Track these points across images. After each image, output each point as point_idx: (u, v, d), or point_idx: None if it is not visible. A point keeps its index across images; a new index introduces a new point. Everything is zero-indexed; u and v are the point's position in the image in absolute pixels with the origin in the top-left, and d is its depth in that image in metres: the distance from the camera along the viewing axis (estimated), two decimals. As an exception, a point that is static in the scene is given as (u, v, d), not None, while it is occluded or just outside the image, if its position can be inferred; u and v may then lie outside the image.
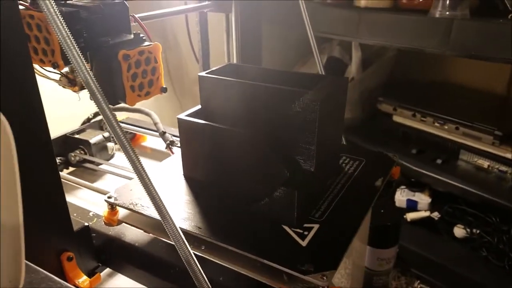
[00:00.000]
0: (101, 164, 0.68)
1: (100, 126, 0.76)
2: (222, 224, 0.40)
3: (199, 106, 0.47)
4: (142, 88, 0.44)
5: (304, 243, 0.37)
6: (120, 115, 0.83)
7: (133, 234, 0.49)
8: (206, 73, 0.45)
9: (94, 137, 0.68)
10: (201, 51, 0.76)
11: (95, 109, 0.30)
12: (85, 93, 0.33)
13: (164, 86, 0.46)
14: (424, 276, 0.90)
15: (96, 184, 0.61)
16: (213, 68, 0.47)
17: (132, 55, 0.42)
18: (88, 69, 0.29)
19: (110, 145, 0.70)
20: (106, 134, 0.70)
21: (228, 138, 0.42)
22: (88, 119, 0.78)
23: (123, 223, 0.45)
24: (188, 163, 0.46)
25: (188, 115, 0.45)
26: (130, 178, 0.57)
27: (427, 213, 0.96)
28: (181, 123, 0.44)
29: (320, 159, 0.42)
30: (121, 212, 0.45)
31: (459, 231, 0.91)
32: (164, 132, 0.56)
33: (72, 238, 0.46)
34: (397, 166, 0.51)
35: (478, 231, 0.86)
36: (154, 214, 0.41)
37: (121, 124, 0.30)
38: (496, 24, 0.65)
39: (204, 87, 0.45)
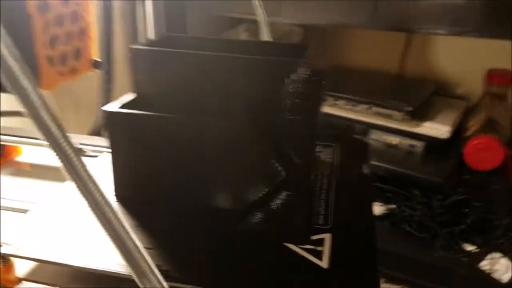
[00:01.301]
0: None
1: None
2: (200, 258, 0.27)
3: (129, 96, 0.33)
4: (65, 61, 0.28)
5: (324, 264, 0.27)
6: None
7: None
8: (143, 46, 0.32)
9: None
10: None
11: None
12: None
13: (99, 60, 0.31)
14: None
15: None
16: (148, 41, 0.34)
17: (52, 4, 0.25)
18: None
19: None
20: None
21: (198, 135, 0.29)
22: None
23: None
24: (125, 177, 0.32)
25: (119, 107, 0.31)
26: (22, 211, 0.39)
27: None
28: (114, 119, 0.30)
29: (313, 147, 0.32)
30: (22, 267, 0.29)
31: (377, 209, 0.92)
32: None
33: None
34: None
35: (398, 206, 0.88)
36: (86, 261, 0.26)
37: None
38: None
39: (140, 67, 0.32)
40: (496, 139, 0.67)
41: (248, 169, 0.30)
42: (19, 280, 0.30)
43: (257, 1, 0.60)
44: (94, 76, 0.57)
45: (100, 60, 0.31)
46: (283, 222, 0.30)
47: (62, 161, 0.17)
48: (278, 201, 0.30)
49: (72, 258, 0.27)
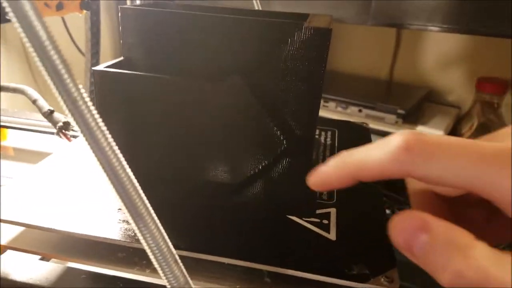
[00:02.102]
0: None
1: None
2: (205, 231, 0.25)
3: (119, 58, 0.30)
4: None
5: (333, 236, 0.25)
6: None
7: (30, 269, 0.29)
8: (133, 6, 0.29)
9: None
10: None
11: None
12: None
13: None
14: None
15: None
16: (139, 3, 0.32)
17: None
18: None
19: None
20: None
21: (191, 99, 0.27)
22: None
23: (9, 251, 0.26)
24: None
25: (108, 66, 0.28)
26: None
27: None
28: (100, 79, 0.27)
29: (316, 116, 0.30)
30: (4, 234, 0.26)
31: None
32: (52, 111, 0.36)
33: None
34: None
35: (391, 210, 0.86)
36: (74, 227, 0.23)
37: None
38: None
39: (128, 28, 0.29)
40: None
41: (247, 138, 0.28)
42: (2, 248, 0.26)
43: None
44: (82, 60, 0.55)
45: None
46: (286, 194, 0.27)
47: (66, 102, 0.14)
48: (278, 173, 0.28)
49: (59, 223, 0.24)
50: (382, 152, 0.16)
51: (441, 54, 0.92)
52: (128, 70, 0.28)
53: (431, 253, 0.15)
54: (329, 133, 0.39)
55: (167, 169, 0.29)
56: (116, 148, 0.14)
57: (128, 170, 0.14)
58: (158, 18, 0.28)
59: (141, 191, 0.14)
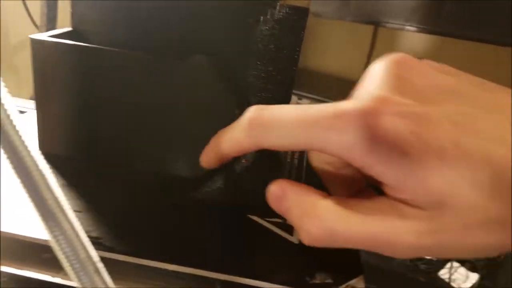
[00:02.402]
0: None
1: None
2: (149, 232, 0.21)
3: (67, 29, 0.26)
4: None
5: (294, 239, 0.22)
6: None
7: None
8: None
9: None
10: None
11: None
12: None
13: None
14: None
15: None
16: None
17: None
18: None
19: None
20: None
21: (145, 76, 0.23)
22: None
23: None
24: (51, 130, 0.25)
25: (51, 36, 0.24)
26: None
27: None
28: (40, 50, 0.23)
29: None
30: None
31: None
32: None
33: None
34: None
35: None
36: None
37: None
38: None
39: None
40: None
41: (208, 128, 0.25)
42: None
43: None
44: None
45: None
46: (247, 192, 0.25)
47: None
48: (243, 166, 0.25)
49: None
50: (236, 130, 0.18)
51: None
52: (75, 40, 0.24)
53: (290, 216, 0.17)
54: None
55: (118, 155, 0.25)
56: (23, 133, 0.11)
57: (35, 154, 0.11)
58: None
59: (53, 183, 0.11)
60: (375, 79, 0.17)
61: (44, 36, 0.24)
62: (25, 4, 0.68)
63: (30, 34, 0.24)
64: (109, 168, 0.25)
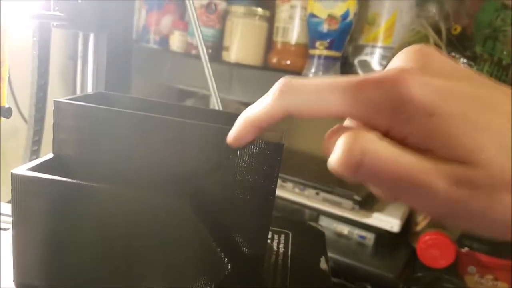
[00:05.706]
0: None
1: None
2: None
3: (49, 156, 0.27)
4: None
5: None
6: None
7: None
8: (68, 99, 0.26)
9: None
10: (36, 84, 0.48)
11: None
12: None
13: (7, 106, 0.25)
14: None
15: None
16: (75, 96, 0.29)
17: None
18: None
19: None
20: None
21: (122, 210, 0.23)
22: None
23: None
24: (30, 259, 0.24)
25: (31, 169, 0.24)
26: None
27: None
28: (23, 184, 0.23)
29: (266, 235, 0.27)
30: None
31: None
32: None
33: None
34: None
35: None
36: None
37: None
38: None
39: (61, 124, 0.26)
40: (447, 236, 0.65)
41: (184, 259, 0.24)
42: None
43: (208, 76, 0.58)
44: (23, 136, 0.50)
45: (8, 106, 0.25)
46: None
47: None
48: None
49: None
50: (267, 97, 0.20)
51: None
52: (55, 170, 0.24)
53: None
54: (282, 237, 0.36)
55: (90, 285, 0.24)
56: None
57: None
58: (92, 114, 0.26)
59: None
60: (400, 59, 0.19)
61: (22, 170, 0.24)
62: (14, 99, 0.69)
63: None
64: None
